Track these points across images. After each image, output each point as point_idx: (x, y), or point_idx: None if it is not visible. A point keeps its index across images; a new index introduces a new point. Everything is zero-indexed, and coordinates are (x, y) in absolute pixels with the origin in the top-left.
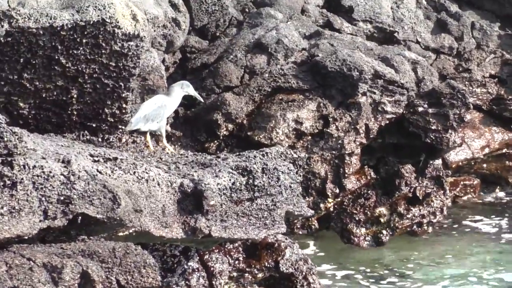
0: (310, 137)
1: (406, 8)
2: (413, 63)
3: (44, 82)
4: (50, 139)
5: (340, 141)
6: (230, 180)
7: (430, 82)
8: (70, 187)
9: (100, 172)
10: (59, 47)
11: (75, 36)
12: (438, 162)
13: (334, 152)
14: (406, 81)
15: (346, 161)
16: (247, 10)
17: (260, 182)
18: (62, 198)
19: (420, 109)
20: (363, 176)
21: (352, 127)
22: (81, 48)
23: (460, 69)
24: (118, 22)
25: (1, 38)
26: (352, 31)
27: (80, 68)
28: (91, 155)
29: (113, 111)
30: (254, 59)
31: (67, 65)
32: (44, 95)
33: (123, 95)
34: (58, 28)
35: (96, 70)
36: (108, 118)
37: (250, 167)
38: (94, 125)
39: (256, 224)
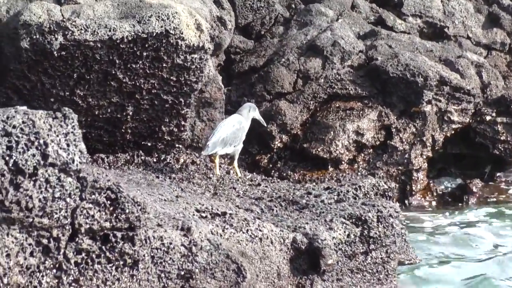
0: (371, 150)
1: (457, 0)
2: (477, 66)
3: (97, 98)
4: (145, 188)
5: (406, 155)
6: (345, 232)
7: (496, 87)
8: (192, 259)
9: (212, 233)
10: (117, 61)
11: (135, 49)
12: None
13: (400, 167)
14: (472, 87)
15: (413, 177)
16: (293, 6)
17: (375, 233)
18: (182, 273)
19: (488, 117)
20: (428, 192)
21: (418, 139)
22: (141, 62)
23: None
24: (182, 34)
25: (55, 52)
26: (406, 28)
27: (138, 83)
28: (198, 210)
29: (171, 129)
30: (308, 63)
31: (124, 80)
32: (97, 113)
33: (183, 111)
34: (118, 41)
35: (155, 85)
36: (165, 137)
37: (365, 216)
38: (149, 144)
39: (371, 280)
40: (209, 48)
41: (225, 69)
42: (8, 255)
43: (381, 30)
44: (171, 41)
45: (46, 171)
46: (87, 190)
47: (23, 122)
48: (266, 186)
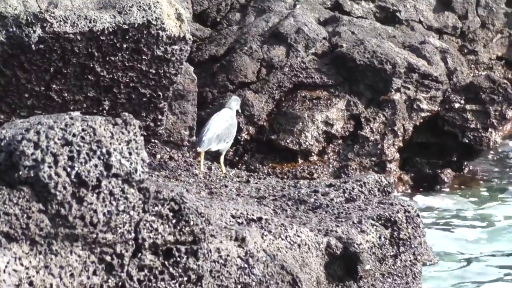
0: (341, 141)
1: None
2: (441, 52)
3: (73, 93)
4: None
5: (379, 146)
6: (376, 235)
7: (461, 73)
8: (249, 272)
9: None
10: (96, 54)
11: (115, 41)
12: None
13: (373, 158)
14: (439, 73)
15: (387, 169)
16: None
17: (405, 235)
18: (239, 286)
19: (457, 105)
20: (400, 184)
21: (389, 128)
22: (120, 54)
23: (465, 50)
24: (163, 24)
25: (32, 45)
26: (363, 13)
27: (116, 77)
28: (233, 216)
29: (147, 124)
30: (271, 51)
31: (101, 74)
32: (72, 108)
33: (160, 105)
34: (98, 33)
35: (134, 78)
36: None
37: (394, 217)
38: None
39: (401, 285)
40: (189, 38)
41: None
42: (72, 275)
43: (343, 16)
44: (152, 32)
45: (110, 182)
46: (149, 202)
47: (83, 130)
48: (256, 183)
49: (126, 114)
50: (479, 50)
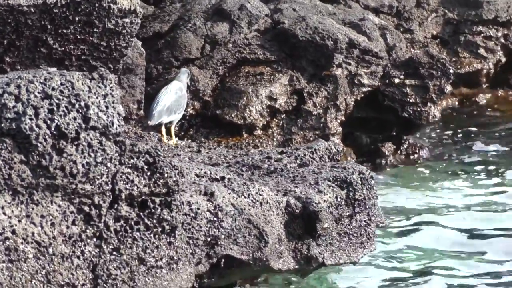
0: (284, 115)
1: None
2: (380, 28)
3: (26, 65)
4: None
5: (322, 120)
6: (333, 195)
7: (400, 49)
8: (218, 225)
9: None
10: (49, 26)
11: (68, 13)
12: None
13: (316, 132)
14: (379, 49)
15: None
16: None
17: (360, 195)
18: (209, 239)
19: (396, 80)
20: (343, 157)
21: (332, 103)
22: (72, 27)
23: (401, 29)
24: None
25: None
26: None
27: (68, 50)
28: (197, 175)
29: None
30: (215, 28)
31: (54, 46)
32: None
33: None
34: (51, 5)
35: (85, 51)
36: None
37: (350, 178)
38: None
39: (356, 244)
40: (140, 12)
41: None
42: (52, 224)
43: None
44: (104, 5)
45: (88, 135)
46: (125, 154)
47: (62, 84)
48: (207, 152)
49: (103, 69)
50: (415, 29)
